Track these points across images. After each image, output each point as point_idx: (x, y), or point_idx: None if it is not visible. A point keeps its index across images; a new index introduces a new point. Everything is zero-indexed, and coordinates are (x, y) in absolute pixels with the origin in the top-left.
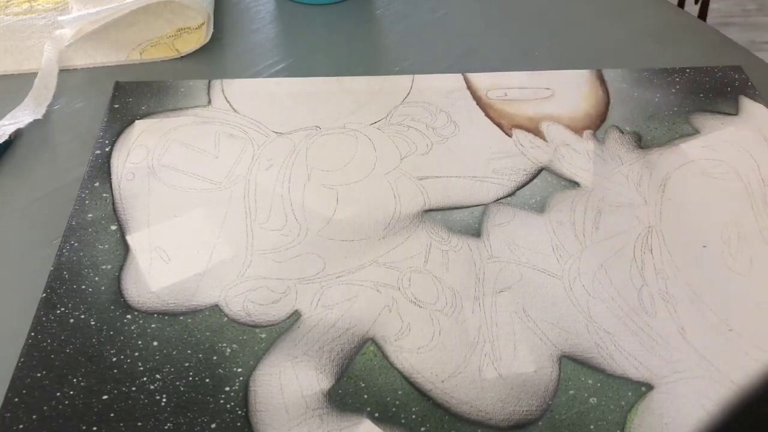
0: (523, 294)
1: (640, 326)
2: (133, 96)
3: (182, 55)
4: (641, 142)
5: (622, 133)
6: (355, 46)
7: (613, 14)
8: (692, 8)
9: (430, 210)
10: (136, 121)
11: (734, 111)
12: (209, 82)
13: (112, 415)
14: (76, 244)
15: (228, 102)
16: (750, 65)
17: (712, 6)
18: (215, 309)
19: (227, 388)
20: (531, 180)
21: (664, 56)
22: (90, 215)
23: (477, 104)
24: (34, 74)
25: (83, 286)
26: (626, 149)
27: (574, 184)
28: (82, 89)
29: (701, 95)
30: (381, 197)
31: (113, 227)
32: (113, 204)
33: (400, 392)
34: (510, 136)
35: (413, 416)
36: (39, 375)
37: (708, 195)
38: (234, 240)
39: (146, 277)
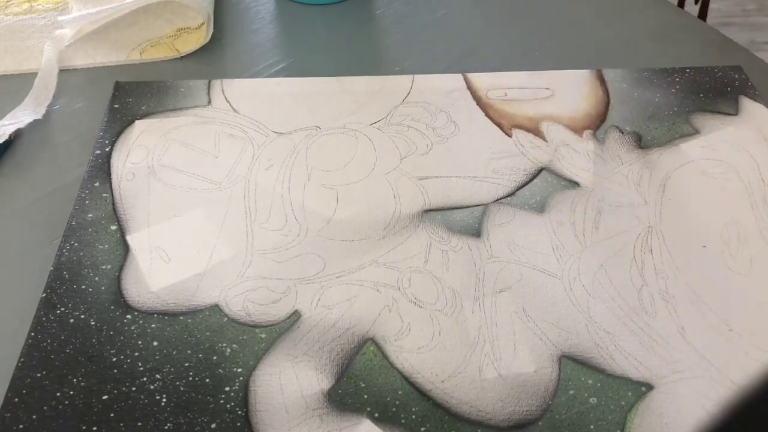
0: (523, 294)
1: (640, 326)
2: (133, 96)
3: (182, 55)
4: (641, 142)
5: (622, 133)
6: (355, 46)
7: (613, 14)
8: (692, 8)
9: (430, 210)
10: (136, 121)
11: (734, 111)
12: (209, 82)
13: (112, 415)
14: (76, 244)
15: (228, 102)
16: (750, 65)
17: (712, 6)
18: (215, 309)
19: (227, 388)
20: (531, 180)
21: (664, 56)
22: (90, 215)
23: (477, 104)
24: (34, 74)
25: (83, 286)
26: (626, 149)
27: (574, 184)
28: (82, 89)
29: (701, 95)
30: (381, 197)
31: (113, 227)
32: (113, 204)
33: (400, 392)
34: (510, 136)
35: (413, 416)
36: (39, 375)
37: (708, 195)
38: (234, 240)
39: (146, 277)
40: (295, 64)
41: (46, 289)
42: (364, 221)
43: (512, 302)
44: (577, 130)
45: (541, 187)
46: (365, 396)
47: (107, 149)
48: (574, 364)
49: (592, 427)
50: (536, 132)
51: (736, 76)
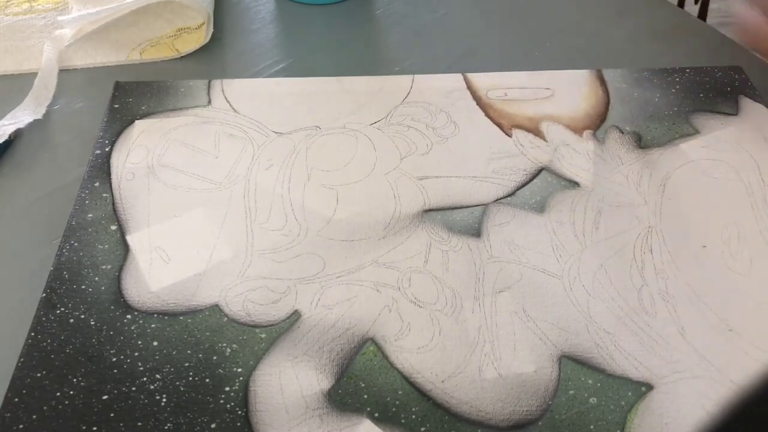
0: (523, 294)
1: (640, 326)
2: (133, 96)
3: (182, 55)
4: (641, 142)
5: (622, 133)
6: (355, 46)
7: (612, 14)
8: (692, 8)
9: (430, 210)
10: (136, 121)
11: (734, 111)
12: (209, 82)
13: (112, 415)
14: (76, 244)
15: (228, 102)
16: (750, 65)
17: (712, 6)
18: (215, 309)
19: (227, 388)
20: (531, 180)
21: (664, 56)
22: (90, 215)
23: (477, 104)
24: (34, 74)
25: (83, 286)
26: (626, 149)
27: (574, 184)
28: (82, 89)
29: (701, 95)
30: (381, 197)
31: (113, 227)
32: (113, 204)
33: (400, 392)
34: (510, 136)
35: (413, 416)
36: (39, 375)
37: (708, 195)
38: (234, 240)
39: (146, 277)
40: (295, 64)
41: (46, 289)
42: (364, 221)
43: (512, 302)
44: (577, 130)
45: (541, 187)
46: (365, 396)
47: (107, 149)
48: (574, 364)
49: (592, 427)
50: (536, 132)
51: (736, 76)
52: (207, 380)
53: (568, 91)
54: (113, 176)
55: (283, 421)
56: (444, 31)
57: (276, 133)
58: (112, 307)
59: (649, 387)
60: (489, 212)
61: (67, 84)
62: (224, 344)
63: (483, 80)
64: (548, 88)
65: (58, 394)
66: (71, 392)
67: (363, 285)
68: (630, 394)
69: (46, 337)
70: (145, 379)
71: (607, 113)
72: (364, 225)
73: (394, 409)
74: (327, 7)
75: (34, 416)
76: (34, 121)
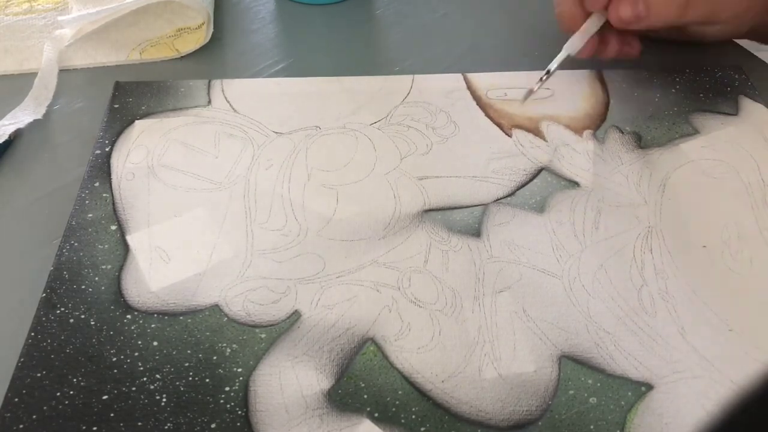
0: (523, 294)
1: (640, 326)
2: (133, 96)
3: (182, 55)
4: (641, 142)
5: (622, 133)
6: (355, 46)
7: None
8: None
9: (430, 210)
10: (136, 121)
11: (734, 111)
12: (209, 82)
13: (112, 415)
14: (76, 244)
15: (228, 102)
16: (750, 65)
17: None
18: (215, 309)
19: (227, 388)
20: (531, 180)
21: (664, 56)
22: (90, 215)
23: (477, 104)
24: (34, 74)
25: (83, 286)
26: (626, 149)
27: (574, 184)
28: (82, 89)
29: (701, 95)
30: (381, 197)
31: (113, 227)
32: (113, 204)
33: (400, 392)
34: (510, 136)
35: (413, 416)
36: (39, 375)
37: (708, 195)
38: (234, 240)
39: (146, 277)
40: (295, 64)
41: (46, 289)
42: (364, 221)
43: (512, 302)
44: (577, 130)
45: (541, 187)
46: (365, 396)
47: (107, 149)
48: (574, 364)
49: (592, 427)
50: (536, 132)
51: (736, 76)
52: (207, 380)
53: (568, 91)
54: (113, 176)
55: (283, 421)
56: (444, 31)
57: (276, 133)
58: (112, 307)
59: (649, 387)
60: (489, 212)
61: (67, 84)
62: (224, 344)
63: (483, 80)
64: (548, 88)
65: (58, 394)
66: (71, 392)
67: (363, 285)
68: (630, 394)
69: (46, 337)
70: (145, 379)
71: (607, 113)
72: (364, 225)
73: (394, 409)
74: (327, 7)
75: (34, 416)
76: (34, 121)
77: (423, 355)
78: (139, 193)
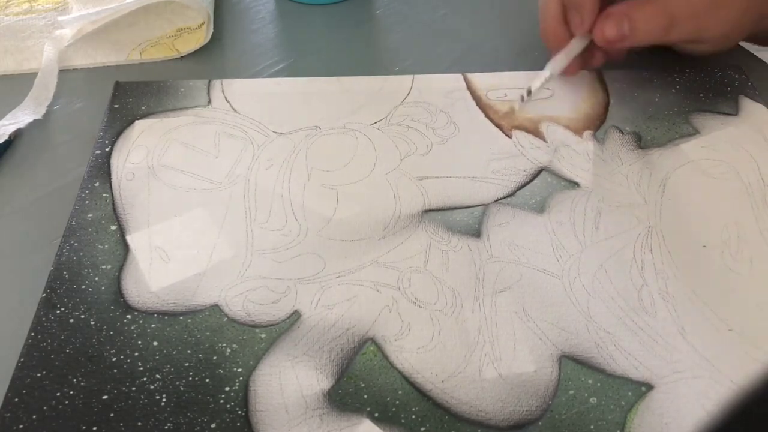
0: (523, 294)
1: (640, 326)
2: (133, 96)
3: (182, 55)
4: (641, 142)
5: (622, 133)
6: (355, 46)
7: None
8: None
9: (430, 210)
10: (136, 121)
11: (734, 111)
12: (209, 82)
13: (112, 415)
14: (76, 244)
15: (228, 102)
16: (750, 65)
17: None
18: (215, 309)
19: (227, 388)
20: (531, 180)
21: (664, 56)
22: (90, 215)
23: (477, 105)
24: (34, 74)
25: (83, 286)
26: (626, 149)
27: (574, 184)
28: (82, 89)
29: (701, 95)
30: (381, 197)
31: (113, 227)
32: (113, 204)
33: (400, 392)
34: (510, 136)
35: (413, 416)
36: (39, 375)
37: (708, 195)
38: (234, 240)
39: (146, 277)
40: (295, 64)
41: (46, 289)
42: (364, 221)
43: (512, 302)
44: (577, 131)
45: (541, 188)
46: (365, 396)
47: (107, 149)
48: (574, 364)
49: (592, 427)
50: (536, 132)
51: (736, 76)
52: (207, 380)
53: (568, 91)
54: (113, 176)
55: (283, 421)
56: (444, 31)
57: (276, 133)
58: (112, 307)
59: (649, 387)
60: (489, 212)
61: (67, 84)
62: (224, 344)
63: (483, 80)
64: (548, 89)
65: (58, 394)
66: (71, 392)
67: (363, 285)
68: (630, 394)
69: (46, 337)
70: (145, 379)
71: (606, 113)
72: (364, 225)
73: (394, 409)
74: (327, 7)
75: (34, 416)
76: (34, 121)
77: (423, 355)
78: (139, 193)
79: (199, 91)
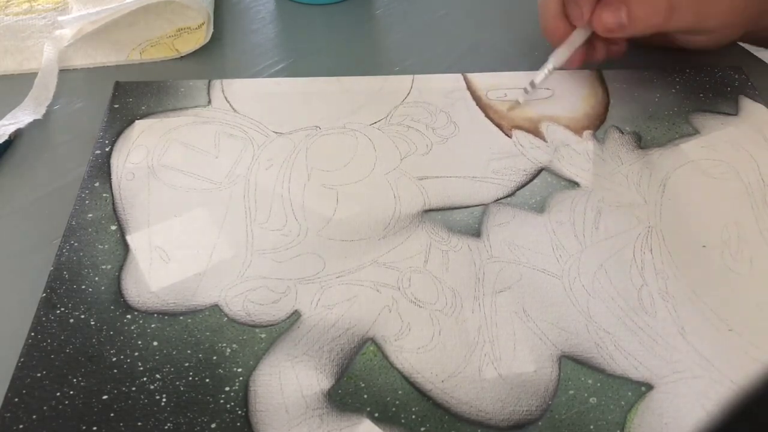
0: (523, 294)
1: (640, 326)
2: (133, 96)
3: (182, 55)
4: (641, 142)
5: (622, 133)
6: (355, 46)
7: None
8: None
9: (430, 210)
10: (136, 121)
11: (734, 111)
12: (209, 82)
13: (112, 415)
14: (76, 244)
15: (228, 102)
16: (750, 65)
17: None
18: (215, 309)
19: (227, 388)
20: (531, 180)
21: (664, 56)
22: (90, 215)
23: (477, 104)
24: (34, 74)
25: (83, 286)
26: (626, 149)
27: (574, 184)
28: (82, 89)
29: (701, 95)
30: (381, 197)
31: (113, 227)
32: (113, 204)
33: (400, 392)
34: (510, 136)
35: (413, 416)
36: (39, 375)
37: (708, 195)
38: (234, 240)
39: (146, 277)
40: (295, 64)
41: (46, 289)
42: (364, 221)
43: (512, 302)
44: (577, 131)
45: (541, 188)
46: (365, 396)
47: (107, 149)
48: (574, 364)
49: (592, 427)
50: (536, 132)
51: (736, 76)
52: (207, 380)
53: (568, 91)
54: (113, 176)
55: (283, 421)
56: (444, 31)
57: (276, 133)
58: (112, 307)
59: (649, 387)
60: (489, 212)
61: (67, 84)
62: (224, 344)
63: (483, 80)
64: (548, 88)
65: (58, 394)
66: (71, 392)
67: (363, 285)
68: (630, 394)
69: (46, 337)
70: (145, 379)
71: (606, 113)
72: (364, 225)
73: (394, 409)
74: (327, 7)
75: (34, 416)
76: (34, 121)
77: (423, 355)
78: (139, 193)
79: (199, 91)
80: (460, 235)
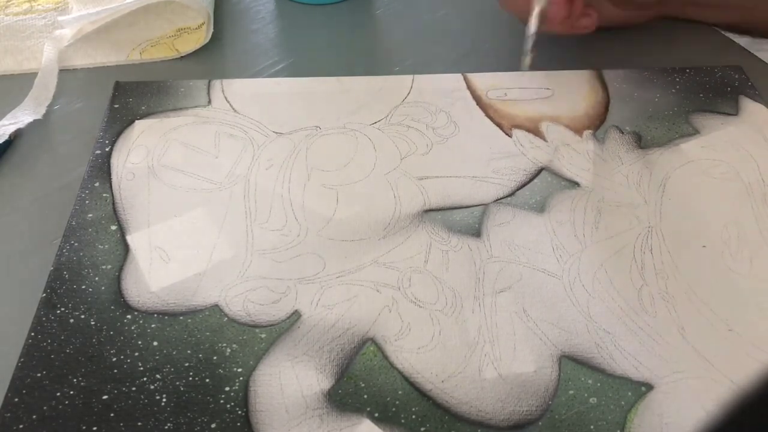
0: (523, 294)
1: (640, 326)
2: (133, 96)
3: (182, 55)
4: (641, 142)
5: (622, 133)
6: (355, 46)
7: None
8: None
9: (430, 210)
10: (136, 121)
11: (734, 111)
12: (209, 82)
13: (112, 415)
14: (76, 244)
15: (228, 102)
16: (750, 65)
17: None
18: (215, 309)
19: (227, 388)
20: (531, 180)
21: (664, 56)
22: (90, 215)
23: (477, 104)
24: (34, 74)
25: (83, 286)
26: (626, 149)
27: (574, 184)
28: (82, 89)
29: (701, 95)
30: (381, 197)
31: (113, 227)
32: (113, 204)
33: (400, 392)
34: (510, 136)
35: (413, 416)
36: (39, 375)
37: (708, 195)
38: (234, 240)
39: (146, 277)
40: (295, 64)
41: (46, 289)
42: (364, 221)
43: (512, 302)
44: (577, 130)
45: (541, 187)
46: (365, 396)
47: (107, 149)
48: (574, 364)
49: (592, 427)
50: (536, 132)
51: (736, 76)
52: (207, 380)
53: (568, 91)
54: (113, 176)
55: (283, 421)
56: (444, 31)
57: (276, 133)
58: (112, 307)
59: (649, 387)
60: (489, 212)
61: (67, 84)
62: (224, 344)
63: (483, 80)
64: (548, 88)
65: (58, 394)
66: (71, 392)
67: (363, 285)
68: (630, 394)
69: (46, 337)
70: (145, 379)
71: (607, 113)
72: (364, 225)
73: (394, 409)
74: (327, 7)
75: (34, 416)
76: (34, 121)
77: (423, 355)
78: (139, 193)
79: (199, 91)
80: (460, 235)
